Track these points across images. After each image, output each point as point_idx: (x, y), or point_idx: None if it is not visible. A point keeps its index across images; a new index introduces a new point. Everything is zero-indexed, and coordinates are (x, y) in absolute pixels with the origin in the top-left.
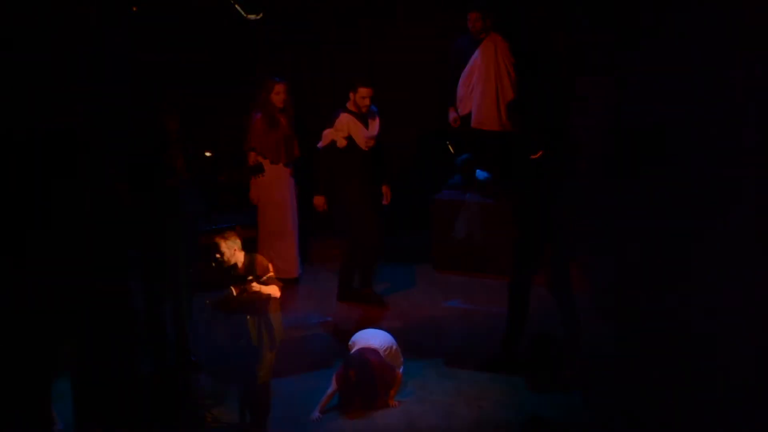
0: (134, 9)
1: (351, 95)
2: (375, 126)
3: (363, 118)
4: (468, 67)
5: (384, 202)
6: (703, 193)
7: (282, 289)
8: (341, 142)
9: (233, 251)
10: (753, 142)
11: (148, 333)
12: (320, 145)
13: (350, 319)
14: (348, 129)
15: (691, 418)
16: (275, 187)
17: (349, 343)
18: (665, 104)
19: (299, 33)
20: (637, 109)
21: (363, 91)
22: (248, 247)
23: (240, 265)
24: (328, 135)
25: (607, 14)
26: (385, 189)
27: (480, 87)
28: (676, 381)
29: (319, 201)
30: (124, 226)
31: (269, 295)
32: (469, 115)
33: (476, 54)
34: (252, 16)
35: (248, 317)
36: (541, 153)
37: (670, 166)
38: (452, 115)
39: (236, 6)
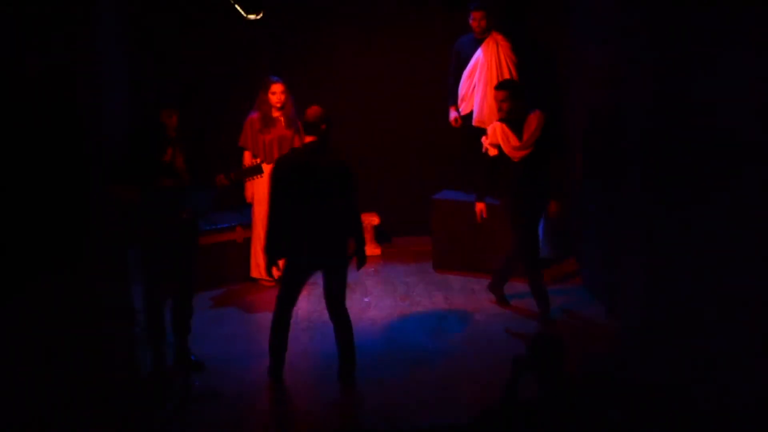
0: None
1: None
2: (530, 131)
3: (516, 123)
4: (470, 66)
5: (550, 216)
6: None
7: None
8: (492, 151)
9: None
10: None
11: (148, 333)
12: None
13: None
14: (497, 138)
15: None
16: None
17: None
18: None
19: (303, 32)
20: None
21: (499, 95)
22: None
23: None
24: (484, 142)
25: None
26: (552, 204)
27: (482, 86)
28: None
29: (480, 207)
30: (124, 226)
31: None
32: (470, 114)
33: (478, 53)
34: (252, 16)
35: None
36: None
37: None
38: (453, 114)
39: (236, 6)
